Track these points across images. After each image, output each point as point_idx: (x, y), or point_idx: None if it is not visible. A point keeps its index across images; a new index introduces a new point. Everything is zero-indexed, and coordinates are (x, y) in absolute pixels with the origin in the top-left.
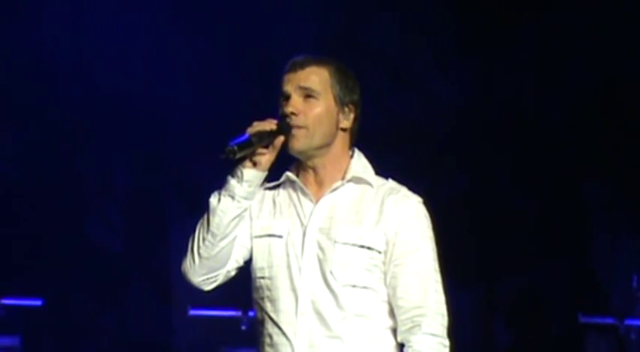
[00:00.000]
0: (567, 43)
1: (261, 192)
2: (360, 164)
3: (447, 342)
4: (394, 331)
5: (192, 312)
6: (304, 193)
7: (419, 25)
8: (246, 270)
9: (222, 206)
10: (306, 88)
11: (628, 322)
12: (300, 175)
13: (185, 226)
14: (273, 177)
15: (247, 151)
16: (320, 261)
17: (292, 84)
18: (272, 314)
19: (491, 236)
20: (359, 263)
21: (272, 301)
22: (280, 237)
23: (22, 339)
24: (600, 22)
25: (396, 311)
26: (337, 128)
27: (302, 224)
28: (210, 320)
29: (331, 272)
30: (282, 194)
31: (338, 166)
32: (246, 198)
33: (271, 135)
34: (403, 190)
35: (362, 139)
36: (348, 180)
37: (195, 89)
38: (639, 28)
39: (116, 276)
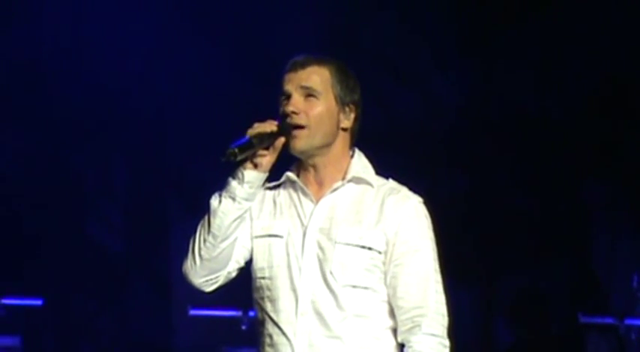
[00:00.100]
0: (567, 43)
1: (261, 193)
2: (360, 164)
3: (447, 342)
4: (394, 331)
5: (193, 312)
6: (305, 193)
7: (419, 25)
8: (246, 270)
9: (223, 207)
10: (307, 88)
11: (628, 322)
12: (301, 175)
13: (185, 226)
14: (274, 177)
15: (248, 153)
16: (320, 261)
17: (293, 83)
18: (272, 314)
19: (491, 236)
20: (359, 263)
21: (272, 301)
22: (280, 237)
23: (22, 339)
24: (600, 22)
25: (396, 311)
26: (338, 128)
27: (302, 224)
28: (211, 320)
29: (331, 273)
30: (282, 194)
31: (338, 166)
32: (247, 200)
33: (272, 136)
34: (403, 190)
35: (362, 139)
36: (349, 181)
37: (195, 89)
38: (639, 27)
39: (116, 276)
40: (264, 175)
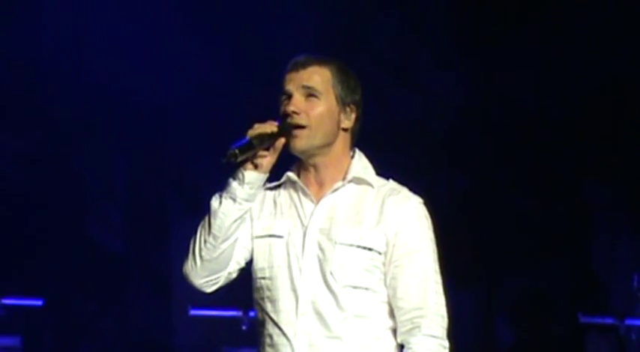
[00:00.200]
0: (568, 43)
1: (262, 193)
2: (360, 164)
3: (446, 344)
4: (394, 331)
5: (193, 312)
6: (305, 193)
7: (419, 25)
8: (246, 271)
9: (224, 208)
10: (308, 88)
11: (628, 322)
12: (302, 175)
13: (185, 226)
14: (274, 177)
15: (248, 154)
16: (320, 262)
17: (294, 83)
18: (272, 315)
19: (491, 236)
20: (359, 264)
21: (272, 301)
22: (281, 237)
23: (22, 339)
24: (601, 21)
25: (395, 312)
26: (338, 128)
27: (302, 224)
28: (211, 320)
29: (331, 273)
30: (283, 194)
31: (339, 166)
32: (247, 201)
33: (272, 137)
34: (404, 191)
35: (362, 139)
36: (349, 181)
37: (195, 89)
38: (639, 27)
39: (116, 276)
40: (264, 176)
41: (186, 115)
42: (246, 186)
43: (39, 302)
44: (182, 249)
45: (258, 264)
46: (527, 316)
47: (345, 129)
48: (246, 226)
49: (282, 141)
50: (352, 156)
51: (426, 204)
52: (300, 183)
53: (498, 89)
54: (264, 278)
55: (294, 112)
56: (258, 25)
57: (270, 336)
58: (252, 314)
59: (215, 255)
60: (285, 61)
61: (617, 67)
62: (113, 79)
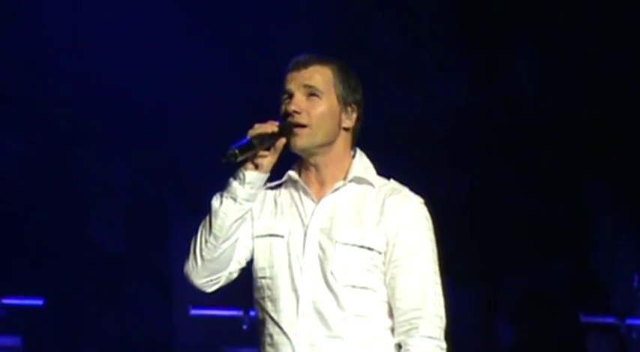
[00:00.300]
0: (568, 43)
1: (262, 192)
2: (361, 164)
3: (444, 345)
4: (394, 331)
5: (194, 312)
6: (306, 193)
7: (419, 25)
8: (247, 270)
9: (224, 208)
10: (309, 87)
11: (629, 321)
12: (302, 174)
13: (186, 225)
14: (275, 177)
15: (249, 154)
16: (321, 261)
17: (295, 82)
18: (273, 314)
19: (491, 236)
20: (359, 263)
21: (273, 301)
22: (281, 236)
23: (23, 339)
24: (600, 22)
25: (394, 312)
26: (339, 127)
27: (303, 224)
28: (212, 320)
29: (332, 273)
30: (283, 193)
31: (340, 166)
32: (248, 200)
33: (273, 137)
34: (405, 191)
35: (362, 139)
36: (350, 180)
37: (195, 89)
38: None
39: (117, 276)
40: (265, 176)
41: (186, 115)
42: (246, 186)
43: (39, 302)
44: (182, 249)
45: (259, 263)
46: (528, 316)
47: (346, 129)
48: (246, 226)
49: (282, 141)
50: (353, 156)
51: (427, 204)
52: (301, 182)
53: (498, 89)
54: (264, 277)
55: (296, 111)
56: (258, 25)
57: (271, 336)
58: (252, 313)
59: (216, 254)
60: (286, 60)
61: (617, 67)
62: (113, 79)
